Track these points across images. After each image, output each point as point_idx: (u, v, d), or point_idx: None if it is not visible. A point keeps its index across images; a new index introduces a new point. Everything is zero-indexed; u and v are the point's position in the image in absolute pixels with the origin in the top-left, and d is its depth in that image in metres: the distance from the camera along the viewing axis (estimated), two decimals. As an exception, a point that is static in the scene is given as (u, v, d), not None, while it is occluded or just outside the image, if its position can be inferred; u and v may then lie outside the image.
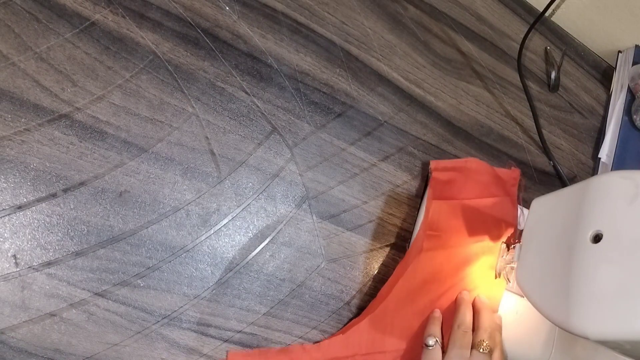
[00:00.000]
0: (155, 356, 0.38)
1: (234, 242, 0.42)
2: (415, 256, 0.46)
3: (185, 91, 0.42)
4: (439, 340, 0.43)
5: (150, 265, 0.38)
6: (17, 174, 0.35)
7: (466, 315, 0.45)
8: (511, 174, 0.53)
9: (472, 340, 0.43)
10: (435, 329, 0.44)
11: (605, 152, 0.65)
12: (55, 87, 0.38)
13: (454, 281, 0.47)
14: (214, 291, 0.40)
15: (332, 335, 0.44)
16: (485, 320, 0.44)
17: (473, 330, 0.44)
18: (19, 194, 0.35)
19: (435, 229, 0.47)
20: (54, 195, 0.36)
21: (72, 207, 0.37)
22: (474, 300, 0.47)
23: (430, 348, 0.43)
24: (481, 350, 0.42)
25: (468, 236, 0.48)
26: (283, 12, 0.48)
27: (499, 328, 0.46)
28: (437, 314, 0.45)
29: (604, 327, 0.32)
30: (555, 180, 0.62)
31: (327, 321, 0.45)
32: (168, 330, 0.38)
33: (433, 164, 0.50)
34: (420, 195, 0.51)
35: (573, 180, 0.63)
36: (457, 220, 0.48)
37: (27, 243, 0.35)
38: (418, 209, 0.50)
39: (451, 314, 0.46)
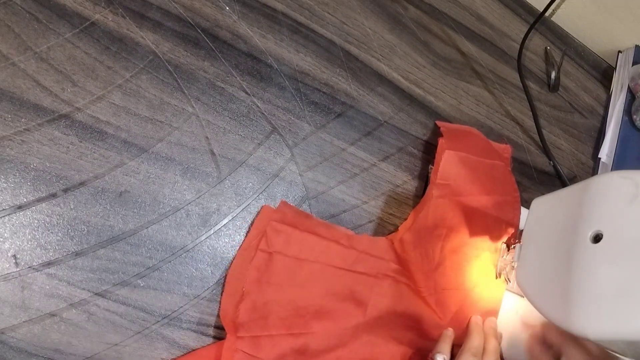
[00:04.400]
0: (155, 356, 0.38)
1: (234, 242, 0.42)
2: (427, 202, 0.47)
3: (185, 91, 0.42)
4: (447, 358, 0.44)
5: (150, 265, 0.38)
6: (17, 174, 0.35)
7: (476, 340, 0.45)
8: (503, 148, 0.56)
9: None
10: (446, 347, 0.44)
11: (605, 152, 0.65)
12: (55, 87, 0.38)
13: (460, 228, 0.48)
14: (214, 291, 0.40)
15: (374, 237, 0.46)
16: (492, 346, 0.45)
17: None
18: (19, 194, 0.35)
19: (445, 178, 0.48)
20: (54, 195, 0.36)
21: (72, 207, 0.37)
22: (484, 323, 0.47)
23: None
24: None
25: (474, 188, 0.49)
26: (283, 12, 0.48)
27: (500, 352, 0.46)
28: (450, 332, 0.45)
29: (604, 327, 0.32)
30: (555, 180, 0.62)
31: (327, 321, 0.45)
32: (168, 330, 0.38)
33: (439, 123, 0.52)
34: (420, 196, 0.51)
35: (573, 180, 0.63)
36: (465, 171, 0.49)
37: (27, 243, 0.35)
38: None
39: (456, 264, 0.47)
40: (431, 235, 0.46)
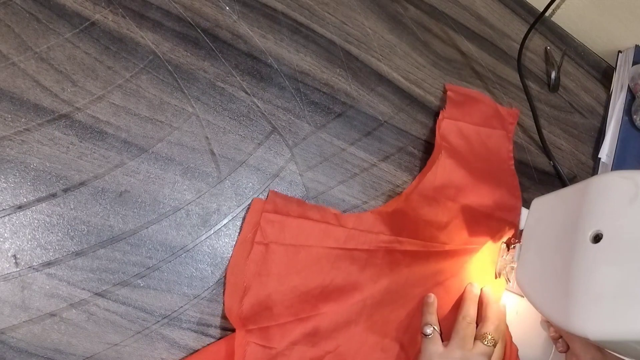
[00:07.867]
0: (155, 356, 0.38)
1: (234, 242, 0.42)
2: (435, 161, 0.48)
3: (185, 91, 0.42)
4: (437, 327, 0.44)
5: (150, 265, 0.38)
6: (17, 174, 0.35)
7: (471, 308, 0.45)
8: (511, 112, 0.58)
9: (477, 332, 0.44)
10: (432, 317, 0.44)
11: (605, 152, 0.65)
12: (55, 87, 0.38)
13: (467, 189, 0.49)
14: (214, 291, 0.40)
15: (359, 212, 0.46)
16: (491, 313, 0.45)
17: (477, 322, 0.45)
18: (19, 194, 0.35)
19: (447, 143, 0.50)
20: (54, 195, 0.36)
21: (72, 207, 0.37)
22: (481, 292, 0.47)
23: (430, 337, 0.43)
24: (485, 342, 0.42)
25: (470, 156, 0.50)
26: (283, 12, 0.48)
27: (504, 319, 0.46)
28: (431, 299, 0.45)
29: (604, 327, 0.32)
30: (555, 180, 0.62)
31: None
32: (168, 330, 0.38)
33: (448, 86, 0.54)
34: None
35: (573, 180, 0.63)
36: (463, 140, 0.51)
37: (27, 243, 0.35)
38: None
39: (465, 223, 0.48)
40: (440, 194, 0.47)
